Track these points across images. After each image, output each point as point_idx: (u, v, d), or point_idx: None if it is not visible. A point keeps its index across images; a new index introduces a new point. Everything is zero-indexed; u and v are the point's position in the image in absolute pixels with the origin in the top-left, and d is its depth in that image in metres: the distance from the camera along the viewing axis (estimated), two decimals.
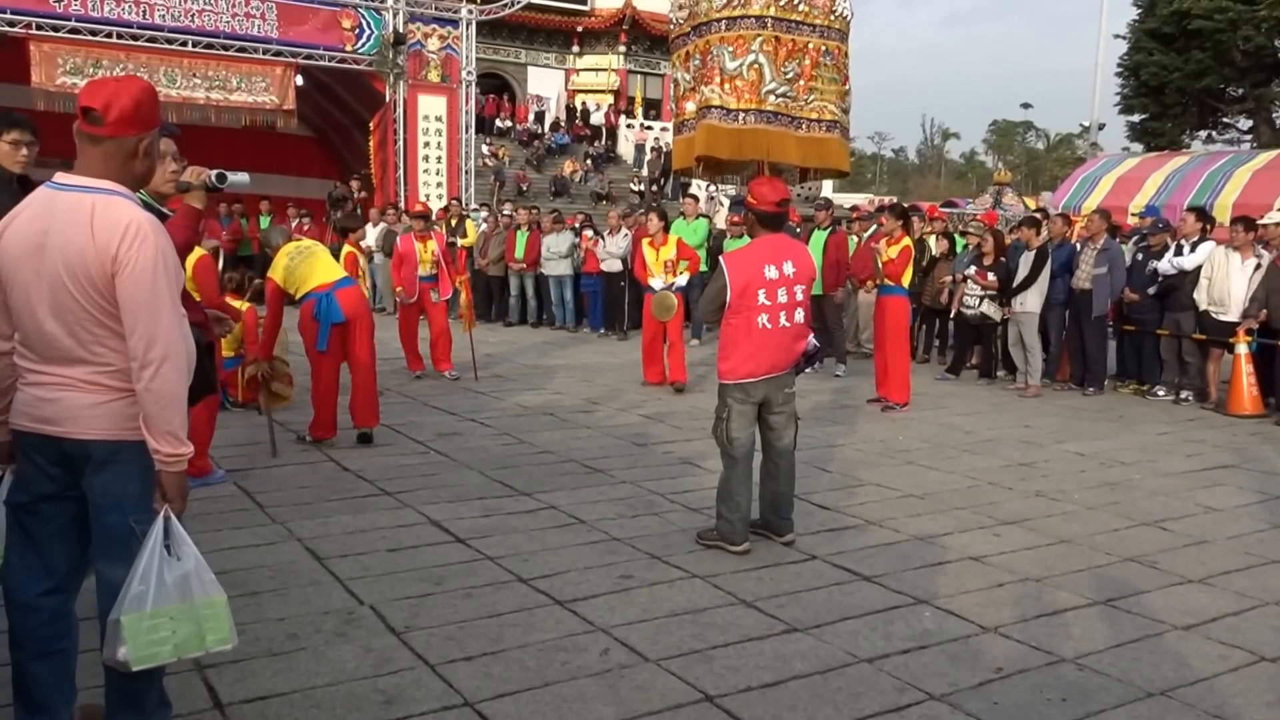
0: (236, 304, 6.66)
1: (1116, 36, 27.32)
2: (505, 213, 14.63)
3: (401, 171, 16.08)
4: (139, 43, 13.86)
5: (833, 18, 6.28)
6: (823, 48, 6.28)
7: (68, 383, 2.22)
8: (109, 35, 13.62)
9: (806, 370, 4.55)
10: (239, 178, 3.12)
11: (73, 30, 13.38)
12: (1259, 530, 4.73)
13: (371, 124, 16.30)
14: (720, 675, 3.03)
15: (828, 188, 25.87)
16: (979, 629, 3.43)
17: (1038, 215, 10.12)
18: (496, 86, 32.96)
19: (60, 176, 2.27)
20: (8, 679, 2.41)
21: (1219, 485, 5.60)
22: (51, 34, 13.31)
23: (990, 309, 8.83)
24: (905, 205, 12.21)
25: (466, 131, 16.77)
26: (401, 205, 14.92)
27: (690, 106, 6.43)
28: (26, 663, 2.34)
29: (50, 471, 2.28)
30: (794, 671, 3.07)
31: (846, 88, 6.64)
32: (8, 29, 13.15)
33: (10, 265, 2.23)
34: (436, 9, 16.72)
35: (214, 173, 3.08)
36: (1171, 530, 4.69)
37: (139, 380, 2.17)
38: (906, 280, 7.84)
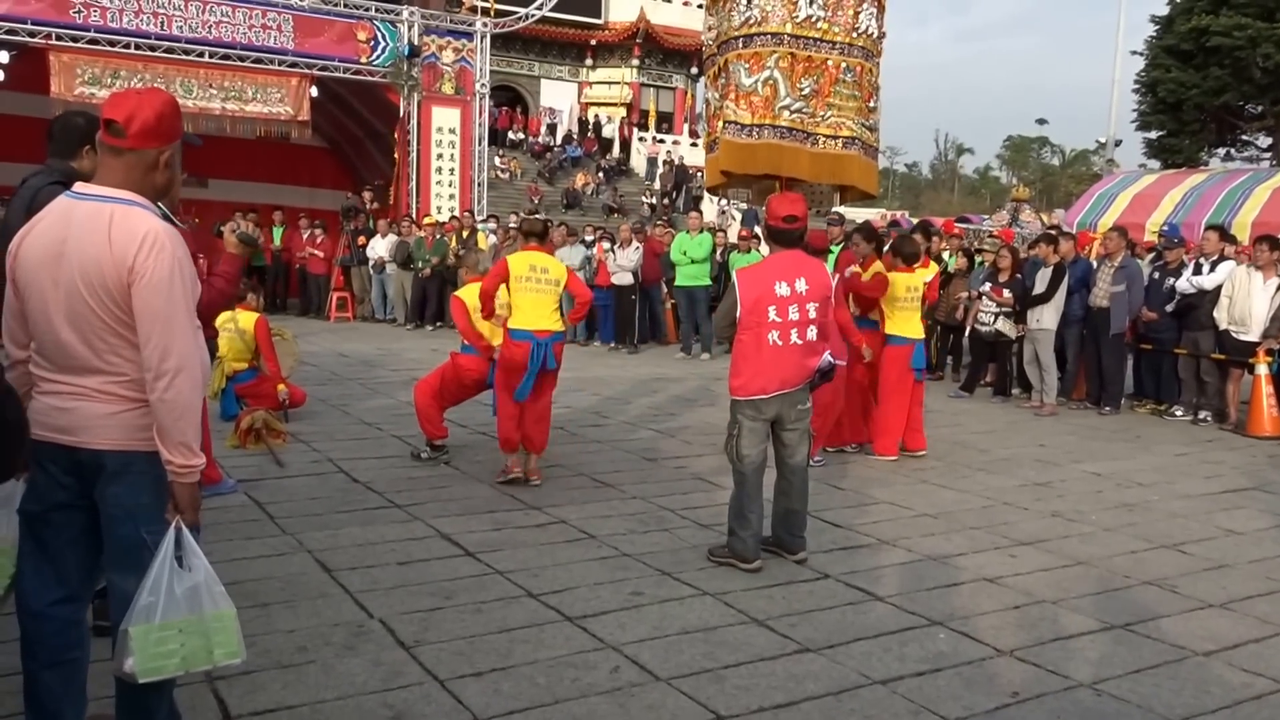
0: (246, 315, 6.66)
1: (1134, 53, 27.33)
2: (512, 225, 14.65)
3: (414, 183, 16.17)
4: (156, 53, 13.98)
5: (855, 35, 6.26)
6: (843, 64, 6.24)
7: (82, 392, 2.22)
8: (127, 46, 13.76)
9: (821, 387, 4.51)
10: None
11: (91, 41, 13.54)
12: None
13: (395, 135, 16.40)
14: (732, 695, 2.99)
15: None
16: (994, 652, 3.39)
17: (1054, 232, 10.07)
18: (509, 99, 33.14)
19: (80, 186, 2.28)
20: (19, 687, 2.40)
21: (1239, 508, 5.53)
22: (71, 44, 13.46)
23: (1005, 326, 8.78)
24: (920, 221, 12.15)
25: (479, 144, 16.86)
26: (414, 216, 14.98)
27: (720, 125, 6.41)
28: (38, 672, 2.33)
29: (63, 481, 2.28)
30: (806, 692, 3.03)
31: (872, 105, 6.59)
32: (28, 39, 13.31)
33: (28, 273, 2.23)
34: (451, 22, 16.85)
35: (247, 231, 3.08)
36: (1191, 553, 4.62)
37: (153, 391, 2.16)
38: (909, 329, 6.57)
